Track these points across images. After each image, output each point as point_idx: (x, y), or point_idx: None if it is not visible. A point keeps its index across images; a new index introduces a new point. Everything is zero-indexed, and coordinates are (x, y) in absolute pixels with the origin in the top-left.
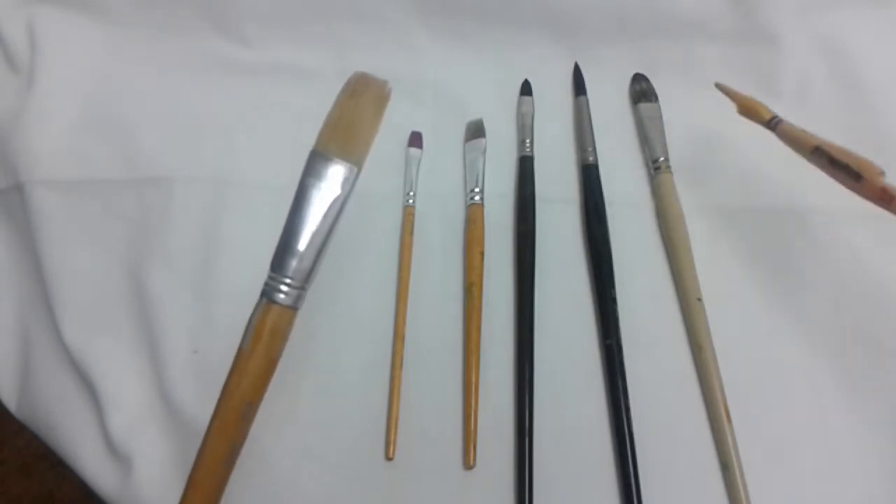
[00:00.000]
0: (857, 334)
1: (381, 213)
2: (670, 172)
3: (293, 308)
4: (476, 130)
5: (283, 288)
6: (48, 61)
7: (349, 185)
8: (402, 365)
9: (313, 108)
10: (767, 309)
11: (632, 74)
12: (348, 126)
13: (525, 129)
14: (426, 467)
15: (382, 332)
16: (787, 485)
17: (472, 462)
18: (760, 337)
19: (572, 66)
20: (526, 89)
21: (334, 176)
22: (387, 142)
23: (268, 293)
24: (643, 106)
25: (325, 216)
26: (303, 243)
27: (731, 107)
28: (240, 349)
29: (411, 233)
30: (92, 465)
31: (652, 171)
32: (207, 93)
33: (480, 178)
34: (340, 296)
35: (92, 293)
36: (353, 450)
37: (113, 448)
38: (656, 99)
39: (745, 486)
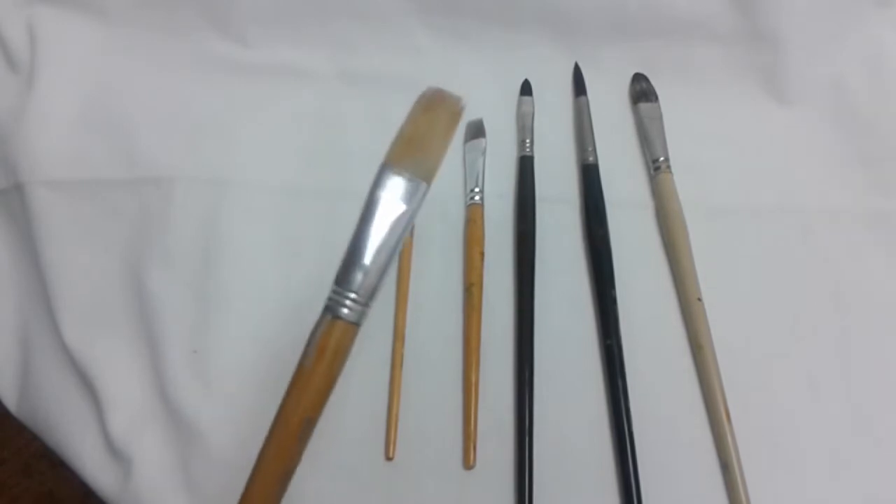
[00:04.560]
0: (856, 334)
1: None
2: (670, 172)
3: (356, 324)
4: (476, 130)
5: (348, 303)
6: (48, 61)
7: (418, 202)
8: (402, 365)
9: (313, 108)
10: (767, 309)
11: (632, 74)
12: (421, 141)
13: (525, 129)
14: (426, 467)
15: (382, 332)
16: (787, 485)
17: (472, 462)
18: (760, 337)
19: (572, 66)
20: (526, 89)
21: (404, 191)
22: (387, 142)
23: (332, 308)
24: (643, 106)
25: (392, 231)
26: (369, 258)
27: (731, 107)
28: (301, 365)
29: (411, 233)
30: (92, 465)
31: (652, 171)
32: (207, 93)
33: (480, 178)
34: None
35: (92, 293)
36: (353, 450)
37: (113, 448)
38: (656, 99)
39: (745, 486)
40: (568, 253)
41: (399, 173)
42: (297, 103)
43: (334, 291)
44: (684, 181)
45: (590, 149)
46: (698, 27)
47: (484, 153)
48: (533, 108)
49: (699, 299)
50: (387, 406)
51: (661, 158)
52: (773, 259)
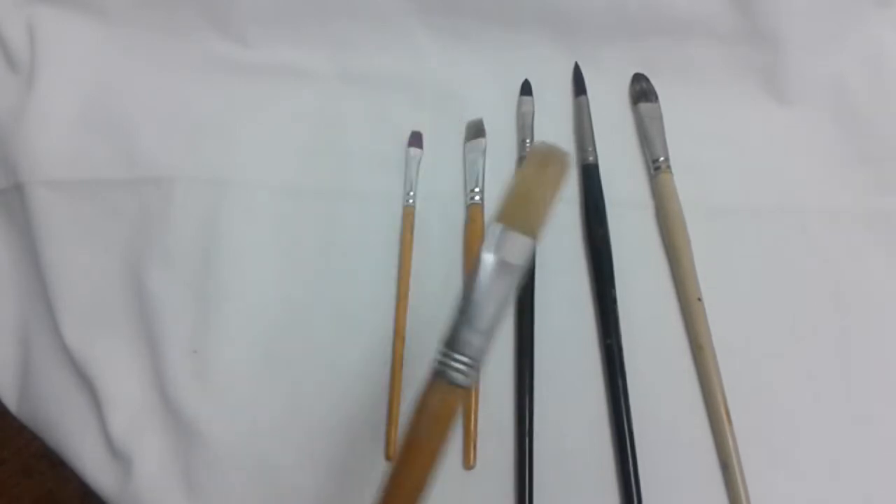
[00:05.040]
0: (856, 334)
1: (381, 213)
2: (670, 172)
3: (469, 388)
4: (476, 130)
5: (461, 367)
6: (48, 61)
7: (526, 259)
8: (402, 364)
9: (313, 108)
10: (767, 309)
11: (632, 74)
12: (532, 199)
13: (525, 129)
14: None
15: (382, 332)
16: (787, 485)
17: (472, 462)
18: (760, 337)
19: (572, 66)
20: (526, 89)
21: (515, 250)
22: (387, 142)
23: (445, 374)
24: (643, 106)
25: (502, 291)
26: (482, 320)
27: (731, 107)
28: (414, 436)
29: (411, 232)
30: (92, 465)
31: (652, 171)
32: (207, 93)
33: (480, 178)
34: (340, 296)
35: (92, 293)
36: (353, 450)
37: (113, 448)
38: (656, 99)
39: (745, 486)
40: (568, 253)
41: (511, 233)
42: (297, 103)
43: (444, 354)
44: (684, 181)
45: (590, 149)
46: (698, 27)
47: (484, 153)
48: (533, 107)
49: (699, 299)
50: (387, 406)
51: (661, 158)
52: (773, 259)
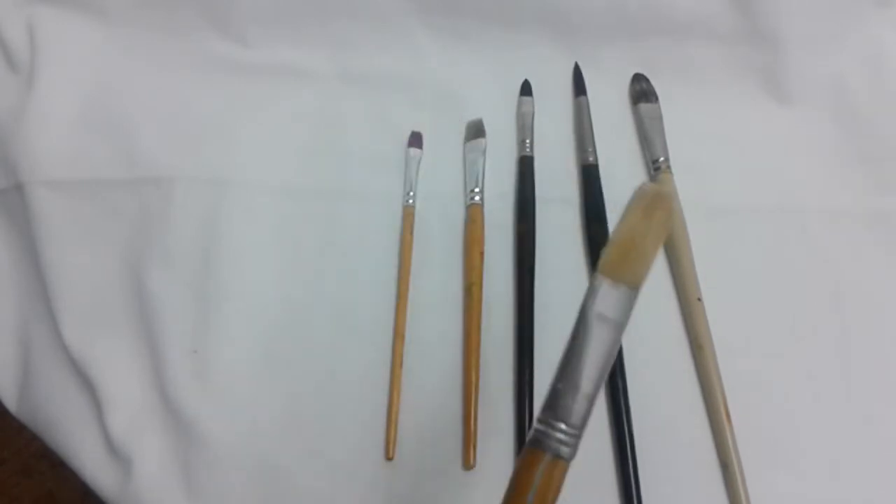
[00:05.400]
0: (856, 334)
1: (381, 213)
2: (670, 172)
3: (570, 460)
4: (476, 130)
5: (566, 439)
6: (48, 61)
7: (629, 312)
8: (402, 364)
9: (313, 108)
10: (767, 309)
11: (632, 74)
12: (635, 249)
13: (525, 129)
14: (426, 467)
15: (382, 332)
16: (787, 485)
17: (472, 462)
18: (760, 337)
19: (572, 66)
20: (526, 89)
21: (618, 303)
22: (387, 142)
23: (549, 446)
24: (643, 106)
25: (606, 348)
26: (587, 382)
27: (731, 107)
28: None
29: (411, 232)
30: (92, 465)
31: (652, 171)
32: (207, 93)
33: (480, 178)
34: (340, 296)
35: (92, 293)
36: (353, 450)
37: (113, 448)
38: (656, 99)
39: (745, 485)
40: (568, 253)
41: (614, 285)
42: (297, 103)
43: (545, 423)
44: (684, 181)
45: (590, 149)
46: (698, 27)
47: (484, 153)
48: (533, 108)
49: (699, 299)
50: (387, 406)
51: (661, 158)
52: (773, 259)
